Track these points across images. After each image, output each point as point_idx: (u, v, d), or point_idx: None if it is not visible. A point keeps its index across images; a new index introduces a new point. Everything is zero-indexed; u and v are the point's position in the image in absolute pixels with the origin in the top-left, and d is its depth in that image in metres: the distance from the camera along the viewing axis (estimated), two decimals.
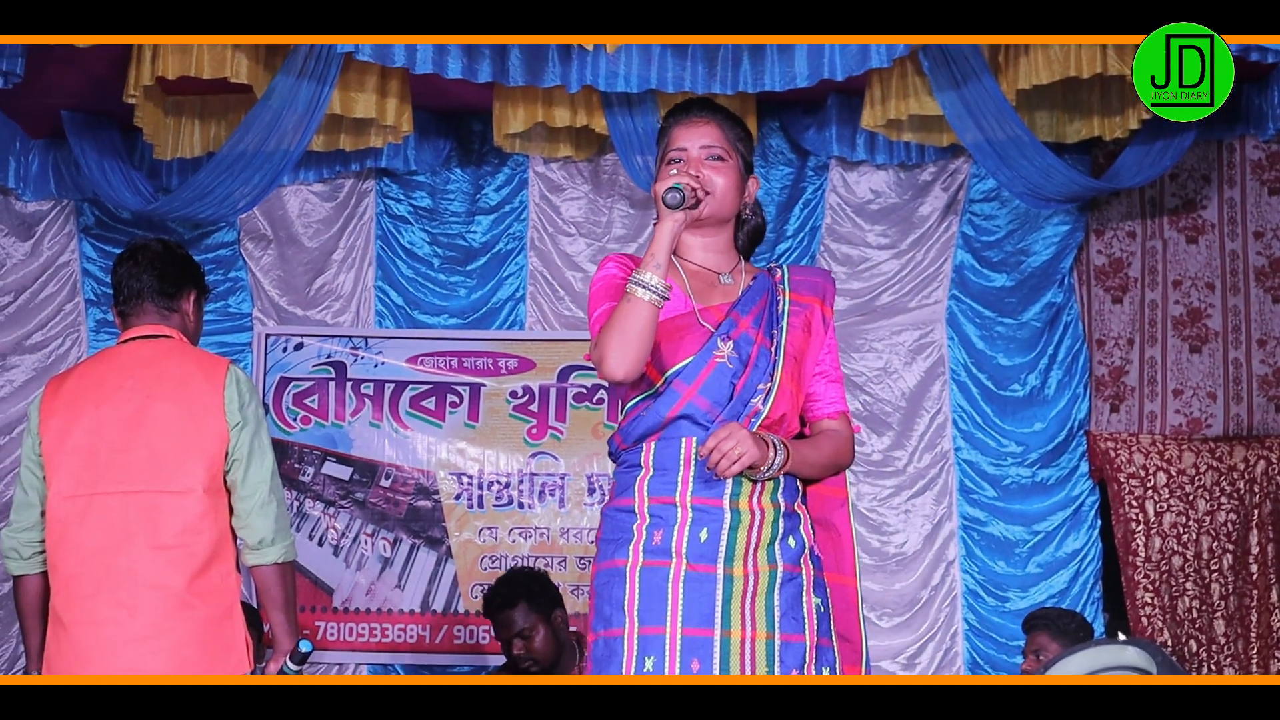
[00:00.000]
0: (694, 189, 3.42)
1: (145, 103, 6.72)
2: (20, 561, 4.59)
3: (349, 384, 7.71)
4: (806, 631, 3.43)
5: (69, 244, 7.85)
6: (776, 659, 3.40)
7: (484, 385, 7.73)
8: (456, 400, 7.72)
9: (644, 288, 3.35)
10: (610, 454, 3.65)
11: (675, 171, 3.48)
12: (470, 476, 7.67)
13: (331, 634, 7.51)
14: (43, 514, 4.52)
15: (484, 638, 7.47)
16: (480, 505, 7.65)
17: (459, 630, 7.53)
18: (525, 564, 7.22)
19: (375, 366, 7.74)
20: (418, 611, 7.55)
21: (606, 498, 3.61)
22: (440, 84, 6.48)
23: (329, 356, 7.74)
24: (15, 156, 7.62)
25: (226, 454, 4.44)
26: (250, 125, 6.57)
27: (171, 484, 4.39)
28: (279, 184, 7.27)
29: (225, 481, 4.47)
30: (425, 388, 7.73)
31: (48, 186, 7.69)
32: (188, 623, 4.34)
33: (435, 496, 7.66)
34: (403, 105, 6.83)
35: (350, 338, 7.77)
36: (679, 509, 3.44)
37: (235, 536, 4.52)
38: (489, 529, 7.63)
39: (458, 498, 7.65)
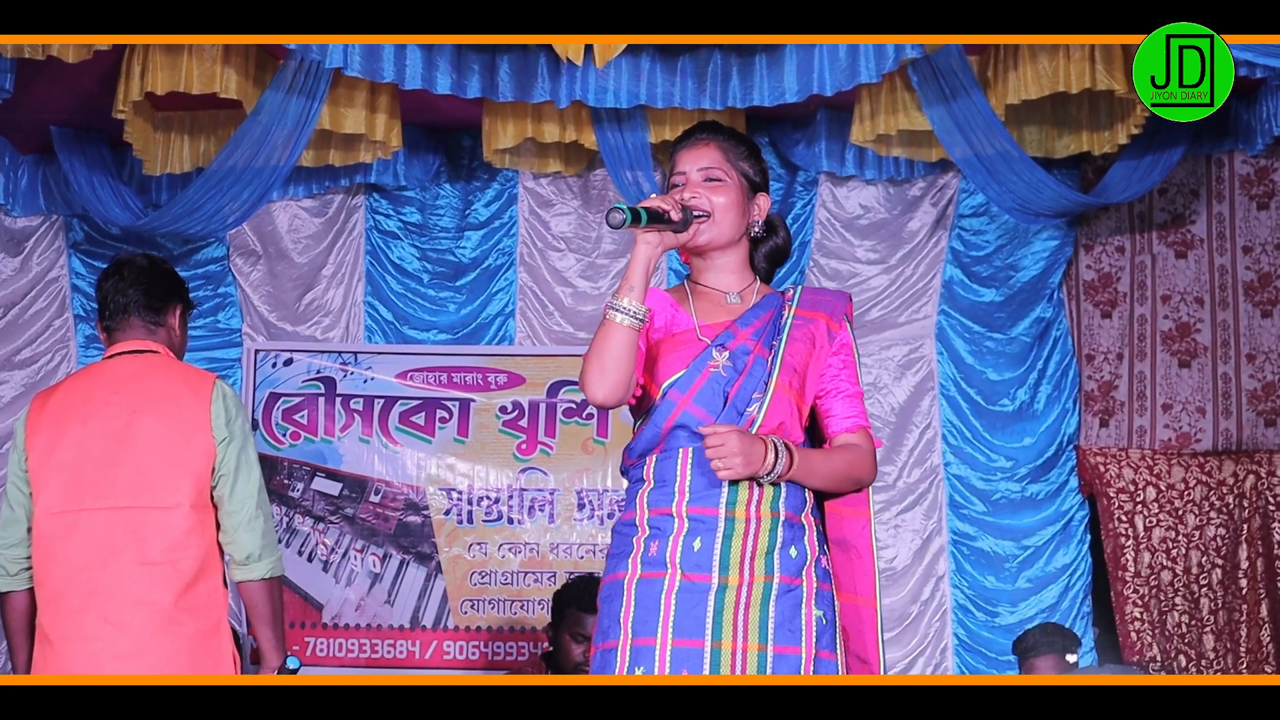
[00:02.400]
0: (663, 210, 3.38)
1: (135, 118, 6.71)
2: (6, 578, 4.57)
3: (338, 399, 7.70)
4: (804, 643, 3.41)
5: (58, 259, 7.85)
6: (769, 671, 3.38)
7: (473, 401, 7.72)
8: (446, 416, 7.71)
9: (620, 312, 3.35)
10: (621, 471, 3.67)
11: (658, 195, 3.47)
12: (460, 492, 7.66)
13: (321, 650, 7.49)
14: (29, 530, 4.50)
15: (474, 653, 7.46)
16: (470, 521, 7.64)
17: (449, 646, 7.50)
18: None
19: (365, 382, 7.74)
20: (407, 627, 7.53)
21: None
22: (429, 99, 6.49)
23: (318, 372, 7.74)
24: (4, 172, 7.63)
25: (213, 469, 4.43)
26: (240, 141, 6.57)
27: (158, 500, 4.37)
28: (268, 199, 7.27)
29: (212, 497, 4.45)
30: (415, 403, 7.72)
31: (37, 202, 7.70)
32: (175, 639, 4.32)
33: (425, 512, 7.64)
34: (392, 121, 6.83)
35: (340, 353, 7.76)
36: (675, 519, 3.44)
37: (223, 552, 4.50)
38: (478, 544, 7.61)
39: (447, 513, 7.64)
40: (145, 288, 4.65)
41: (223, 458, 4.42)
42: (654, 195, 3.43)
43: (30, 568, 4.52)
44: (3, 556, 4.55)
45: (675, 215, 3.40)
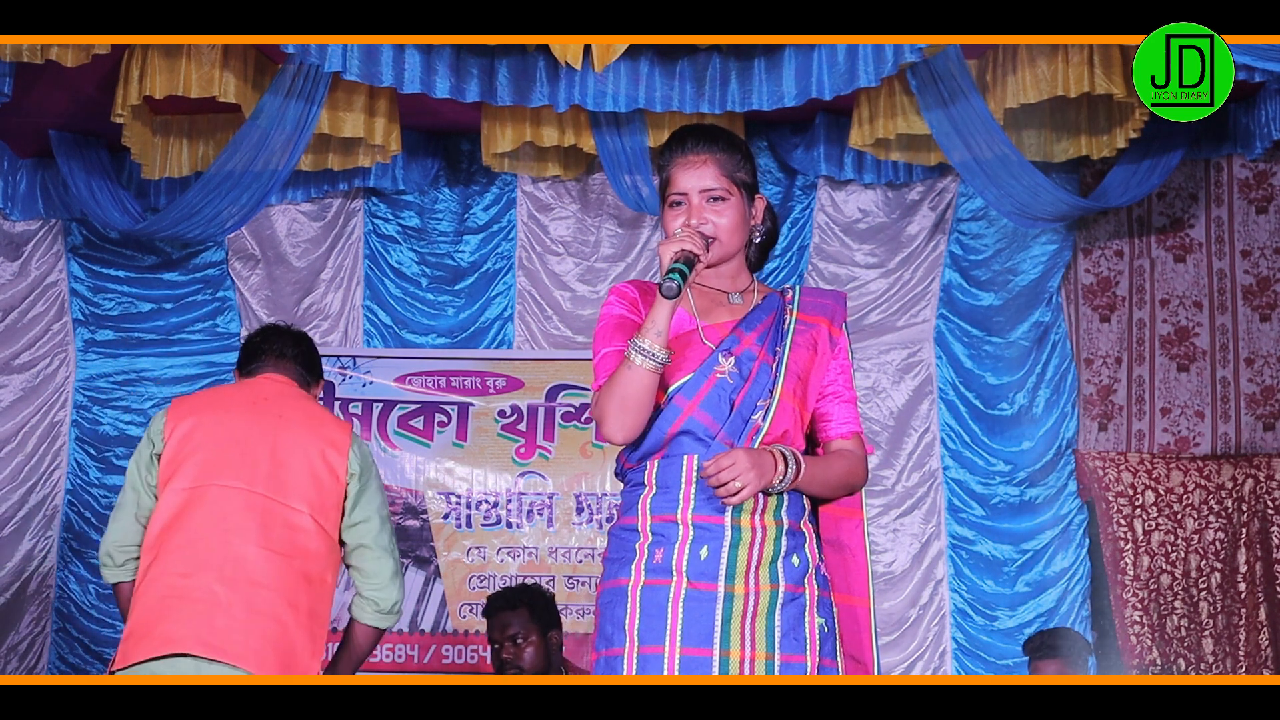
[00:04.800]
0: (695, 254, 3.39)
1: (133, 122, 6.71)
2: (113, 569, 4.62)
3: (337, 403, 7.69)
4: (809, 652, 3.41)
5: (57, 263, 7.86)
6: None
7: (472, 404, 7.72)
8: (445, 420, 7.71)
9: (643, 355, 3.36)
10: (616, 473, 3.66)
11: (678, 232, 3.44)
12: (458, 496, 7.66)
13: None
14: (140, 523, 4.53)
15: (472, 657, 7.46)
16: (468, 525, 7.63)
17: (447, 650, 7.50)
18: (516, 582, 7.23)
19: (363, 386, 7.74)
20: (406, 631, 7.52)
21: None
22: (428, 103, 6.49)
23: None
24: (3, 176, 7.64)
25: (344, 502, 4.53)
26: (238, 145, 6.57)
27: (288, 497, 4.46)
28: (267, 203, 7.28)
29: (345, 538, 4.59)
30: (413, 407, 7.72)
31: (36, 206, 7.70)
32: (269, 629, 4.37)
33: (423, 516, 7.64)
34: (391, 125, 6.83)
35: (338, 357, 7.76)
36: (680, 526, 3.43)
37: (341, 572, 4.64)
38: (477, 548, 7.61)
39: (446, 517, 7.64)
40: (307, 351, 4.87)
41: (357, 500, 4.55)
42: (680, 238, 3.41)
43: (137, 558, 4.55)
44: (111, 546, 4.59)
45: (704, 255, 3.43)
